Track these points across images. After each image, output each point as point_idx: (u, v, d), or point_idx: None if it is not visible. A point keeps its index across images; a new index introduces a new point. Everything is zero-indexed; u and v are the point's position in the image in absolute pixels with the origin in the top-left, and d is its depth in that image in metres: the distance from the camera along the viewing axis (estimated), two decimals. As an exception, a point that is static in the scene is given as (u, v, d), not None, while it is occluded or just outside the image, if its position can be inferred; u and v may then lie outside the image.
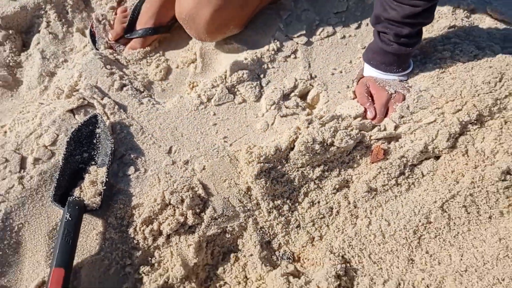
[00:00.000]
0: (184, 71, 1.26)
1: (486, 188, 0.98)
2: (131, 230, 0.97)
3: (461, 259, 0.93)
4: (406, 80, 1.17)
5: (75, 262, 0.90)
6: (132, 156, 1.04)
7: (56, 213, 0.96)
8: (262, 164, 1.00)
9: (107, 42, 1.29)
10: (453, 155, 1.04)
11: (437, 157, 1.07)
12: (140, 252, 0.97)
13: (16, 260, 0.93)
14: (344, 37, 1.30)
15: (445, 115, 1.07)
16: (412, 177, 1.05)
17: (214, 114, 1.13)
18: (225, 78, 1.16)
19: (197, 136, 1.10)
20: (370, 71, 1.18)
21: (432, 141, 1.05)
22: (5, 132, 1.11)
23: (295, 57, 1.23)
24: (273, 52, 1.24)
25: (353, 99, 1.18)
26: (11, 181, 0.97)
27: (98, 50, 1.27)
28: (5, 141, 1.04)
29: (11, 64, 1.29)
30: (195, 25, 1.15)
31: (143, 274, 0.96)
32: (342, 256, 0.98)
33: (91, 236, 0.96)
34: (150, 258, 0.98)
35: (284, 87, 1.19)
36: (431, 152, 1.06)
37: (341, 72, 1.23)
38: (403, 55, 1.12)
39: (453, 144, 1.05)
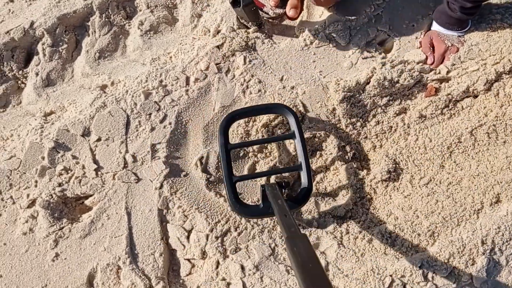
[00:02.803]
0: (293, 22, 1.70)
1: (506, 121, 1.37)
2: (253, 130, 1.49)
3: (477, 168, 1.36)
4: (463, 36, 1.53)
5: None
6: (256, 80, 1.54)
7: (208, 114, 1.49)
8: (345, 92, 1.46)
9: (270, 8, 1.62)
10: (487, 96, 1.43)
11: (475, 96, 1.45)
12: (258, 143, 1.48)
13: (184, 142, 1.48)
14: (420, -5, 1.65)
15: (486, 65, 1.43)
16: (454, 109, 1.45)
17: (314, 54, 1.58)
18: (324, 27, 1.59)
19: (301, 69, 1.56)
20: (436, 27, 1.54)
21: (473, 84, 1.43)
22: (171, 57, 1.65)
23: (378, 14, 1.62)
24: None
25: (419, 48, 1.56)
26: (180, 92, 1.51)
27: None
28: (174, 65, 1.57)
29: (169, 5, 1.80)
30: None
31: (260, 158, 1.48)
32: (394, 160, 1.44)
33: (230, 131, 1.49)
34: (264, 149, 1.49)
35: (368, 35, 1.60)
36: (471, 92, 1.45)
37: (413, 25, 1.61)
38: (464, 19, 1.47)
39: (488, 88, 1.43)
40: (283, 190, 1.28)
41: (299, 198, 1.26)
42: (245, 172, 1.43)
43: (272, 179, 1.42)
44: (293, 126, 1.33)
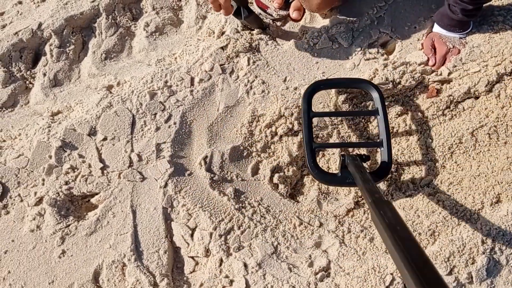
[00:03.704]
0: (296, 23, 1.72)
1: (506, 122, 1.39)
2: (257, 130, 1.51)
3: (478, 168, 1.38)
4: (464, 38, 1.54)
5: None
6: (259, 81, 1.56)
7: (212, 115, 1.52)
8: (347, 93, 1.47)
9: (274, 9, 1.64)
10: (489, 97, 1.44)
11: (476, 97, 1.47)
12: (262, 144, 1.50)
13: (189, 141, 1.50)
14: (422, -2, 1.67)
15: (487, 67, 1.45)
16: (455, 110, 1.47)
17: (317, 55, 1.60)
18: (327, 29, 1.61)
19: (304, 70, 1.58)
20: (437, 29, 1.56)
21: (474, 86, 1.45)
22: (176, 58, 1.68)
23: (381, 16, 1.64)
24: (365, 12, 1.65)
25: (420, 49, 1.58)
26: (185, 92, 1.54)
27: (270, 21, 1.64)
28: (179, 66, 1.59)
29: (174, 7, 1.83)
30: (309, 4, 1.57)
31: (263, 158, 1.50)
32: (396, 160, 1.46)
33: (233, 131, 1.51)
34: (267, 149, 1.51)
35: (370, 37, 1.62)
36: (473, 93, 1.46)
37: (415, 27, 1.62)
38: (466, 21, 1.49)
39: (489, 89, 1.44)
40: (363, 163, 1.28)
41: (379, 172, 1.29)
42: (248, 172, 1.45)
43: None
44: (377, 103, 1.36)
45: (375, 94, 1.37)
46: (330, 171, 1.42)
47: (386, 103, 1.49)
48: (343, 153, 1.39)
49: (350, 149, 1.47)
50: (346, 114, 1.46)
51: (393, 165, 1.41)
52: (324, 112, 1.44)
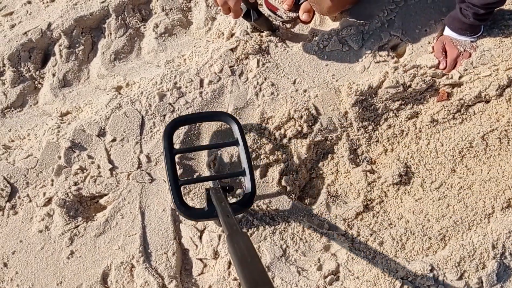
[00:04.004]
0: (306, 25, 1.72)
1: (518, 127, 1.38)
2: (266, 132, 1.51)
3: (488, 173, 1.37)
4: (475, 41, 1.53)
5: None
6: (269, 83, 1.55)
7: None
8: (357, 96, 1.47)
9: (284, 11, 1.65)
10: (499, 101, 1.44)
11: (487, 101, 1.46)
12: (271, 146, 1.49)
13: (198, 143, 1.49)
14: (433, 1, 1.66)
15: (498, 71, 1.44)
16: (466, 114, 1.46)
17: (327, 58, 1.59)
18: (337, 31, 1.60)
19: (313, 73, 1.57)
20: (448, 32, 1.55)
21: (485, 89, 1.44)
22: (185, 60, 1.67)
23: (391, 19, 1.63)
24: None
25: (431, 52, 1.57)
26: (194, 94, 1.53)
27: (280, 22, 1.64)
28: (188, 67, 1.59)
29: (184, 8, 1.82)
30: (319, 7, 1.57)
31: (272, 160, 1.50)
32: (405, 163, 1.45)
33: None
34: (276, 151, 1.50)
35: (380, 40, 1.61)
36: (483, 97, 1.45)
37: (426, 30, 1.62)
38: (477, 25, 1.48)
39: (500, 93, 1.44)
40: (227, 194, 1.31)
41: (244, 201, 1.30)
42: (257, 174, 1.44)
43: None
44: (236, 134, 1.37)
45: (233, 126, 1.37)
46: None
47: (396, 106, 1.48)
48: (207, 187, 1.38)
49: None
50: (208, 148, 1.45)
51: (400, 168, 1.41)
52: (186, 148, 1.43)
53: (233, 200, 1.35)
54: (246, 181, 1.32)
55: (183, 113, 1.49)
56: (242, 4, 1.44)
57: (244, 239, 0.90)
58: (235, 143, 1.36)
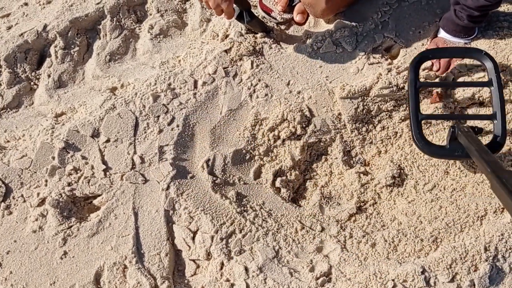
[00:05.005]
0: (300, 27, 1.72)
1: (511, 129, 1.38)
2: (260, 134, 1.51)
3: (481, 174, 1.37)
4: (469, 43, 1.53)
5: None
6: (263, 85, 1.56)
7: (215, 118, 1.52)
8: (351, 98, 1.47)
9: (279, 12, 1.64)
10: (493, 103, 1.43)
11: (481, 103, 1.46)
12: (265, 147, 1.49)
13: (191, 144, 1.50)
14: (427, 3, 1.66)
15: (492, 73, 1.44)
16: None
17: (321, 59, 1.59)
18: (331, 33, 1.61)
19: (307, 74, 1.57)
20: (442, 34, 1.55)
21: (479, 92, 1.44)
22: (179, 61, 1.68)
23: (385, 20, 1.63)
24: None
25: (425, 54, 1.57)
26: (188, 95, 1.54)
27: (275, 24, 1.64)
28: (183, 68, 1.60)
29: (179, 10, 1.83)
30: (314, 10, 1.57)
31: (265, 162, 1.50)
32: (399, 165, 1.45)
33: (236, 134, 1.51)
34: (270, 153, 1.50)
35: (374, 41, 1.61)
36: (477, 99, 1.45)
37: (419, 32, 1.62)
38: (471, 27, 1.48)
39: (494, 95, 1.43)
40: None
41: (490, 147, 1.21)
42: (251, 176, 1.45)
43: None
44: (491, 73, 1.27)
45: (488, 64, 1.28)
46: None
47: (389, 107, 1.48)
48: (452, 124, 1.27)
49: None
50: (457, 85, 1.36)
51: (393, 170, 1.41)
52: (432, 83, 1.37)
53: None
54: (496, 125, 1.23)
55: (177, 114, 1.49)
56: (235, 5, 1.44)
57: None
58: (489, 83, 1.27)
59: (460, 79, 1.48)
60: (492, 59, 1.29)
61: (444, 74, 1.50)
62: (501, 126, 1.22)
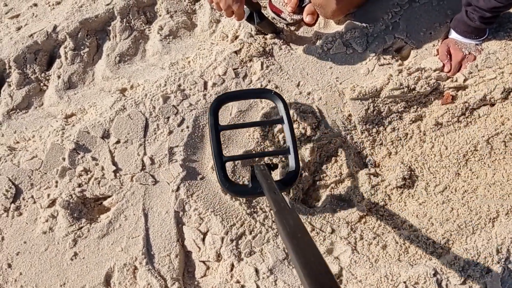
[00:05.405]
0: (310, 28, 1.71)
1: (523, 130, 1.37)
2: (270, 135, 1.50)
3: (493, 176, 1.36)
4: (480, 44, 1.53)
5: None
6: (272, 86, 1.55)
7: (225, 118, 1.52)
8: (361, 99, 1.46)
9: (288, 14, 1.64)
10: (504, 104, 1.42)
11: (492, 104, 1.45)
12: (274, 149, 1.50)
13: (201, 146, 1.50)
14: (438, 4, 1.65)
15: (503, 74, 1.43)
16: (470, 117, 1.45)
17: (331, 60, 1.59)
18: (341, 34, 1.60)
19: (317, 75, 1.57)
20: (453, 35, 1.54)
21: (490, 93, 1.43)
22: (189, 62, 1.68)
23: (396, 21, 1.63)
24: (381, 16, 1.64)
25: (436, 55, 1.56)
26: (198, 96, 1.54)
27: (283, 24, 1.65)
28: (192, 69, 1.59)
29: (188, 11, 1.83)
30: (324, 11, 1.57)
31: (275, 163, 1.49)
32: (409, 167, 1.44)
33: (246, 136, 1.51)
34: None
35: (385, 42, 1.60)
36: (488, 100, 1.44)
37: (430, 33, 1.61)
38: (483, 28, 1.47)
39: (505, 96, 1.42)
40: (271, 172, 1.30)
41: (287, 180, 1.29)
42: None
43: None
44: (282, 112, 1.37)
45: (279, 104, 1.37)
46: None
47: (400, 109, 1.48)
48: (252, 164, 1.38)
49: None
50: (253, 125, 1.45)
51: (404, 172, 1.40)
52: (232, 125, 1.43)
53: (276, 179, 1.34)
54: (290, 159, 1.32)
55: (187, 116, 1.49)
56: (245, 7, 1.44)
57: (293, 215, 0.89)
58: (280, 121, 1.36)
59: (470, 80, 1.47)
60: (281, 98, 1.37)
61: (456, 75, 1.50)
62: (294, 159, 1.30)
